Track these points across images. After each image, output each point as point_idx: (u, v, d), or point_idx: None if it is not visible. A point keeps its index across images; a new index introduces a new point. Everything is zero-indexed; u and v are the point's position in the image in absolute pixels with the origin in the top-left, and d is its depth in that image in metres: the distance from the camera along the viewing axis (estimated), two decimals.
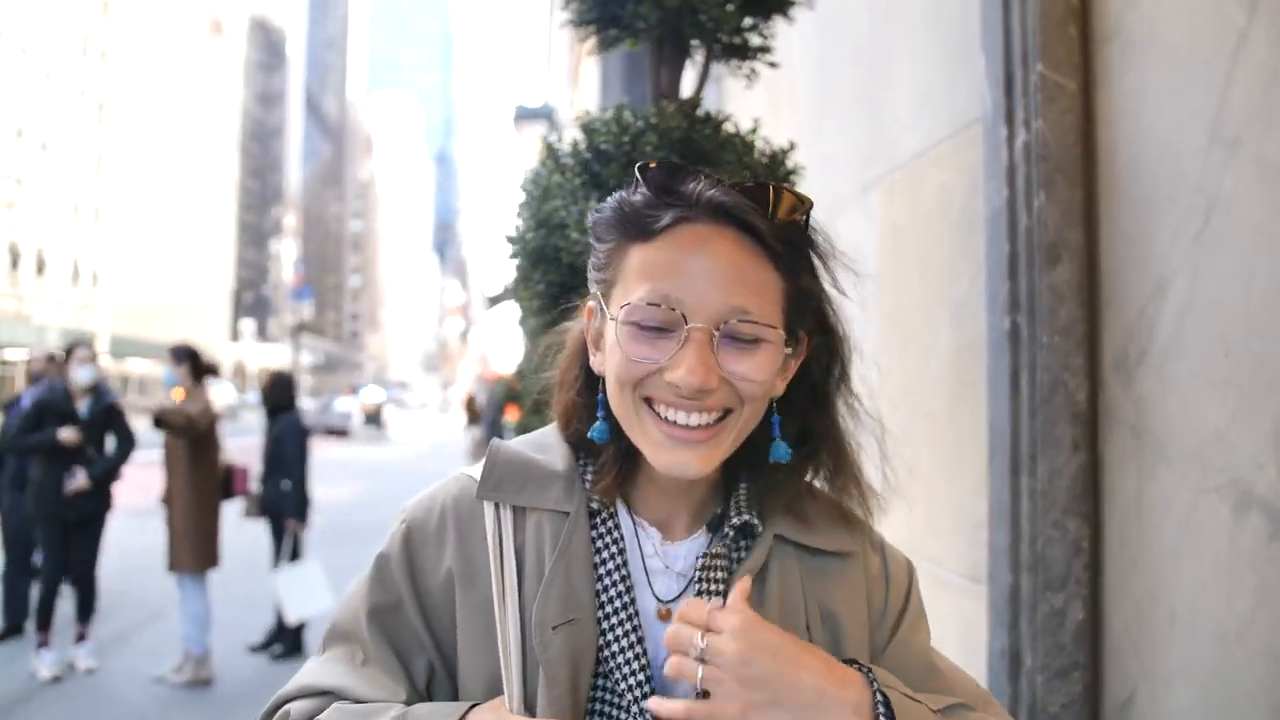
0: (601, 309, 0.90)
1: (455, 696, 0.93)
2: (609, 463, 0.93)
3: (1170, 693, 1.44)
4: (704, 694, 0.78)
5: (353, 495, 14.72)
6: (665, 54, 1.94)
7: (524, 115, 18.49)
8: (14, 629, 6.12)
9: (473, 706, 0.89)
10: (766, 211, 0.84)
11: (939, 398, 2.15)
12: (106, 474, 5.73)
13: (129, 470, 6.03)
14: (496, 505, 0.94)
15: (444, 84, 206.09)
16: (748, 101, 3.91)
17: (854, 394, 0.96)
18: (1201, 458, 1.37)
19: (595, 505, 0.94)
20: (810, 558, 0.94)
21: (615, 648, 0.89)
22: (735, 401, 0.85)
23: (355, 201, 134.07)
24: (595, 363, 0.94)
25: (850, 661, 0.86)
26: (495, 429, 11.23)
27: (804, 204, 0.86)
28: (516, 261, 2.03)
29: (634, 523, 0.95)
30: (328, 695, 0.93)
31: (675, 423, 0.84)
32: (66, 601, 5.93)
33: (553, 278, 1.91)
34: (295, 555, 5.96)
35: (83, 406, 5.74)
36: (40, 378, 6.36)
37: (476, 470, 0.97)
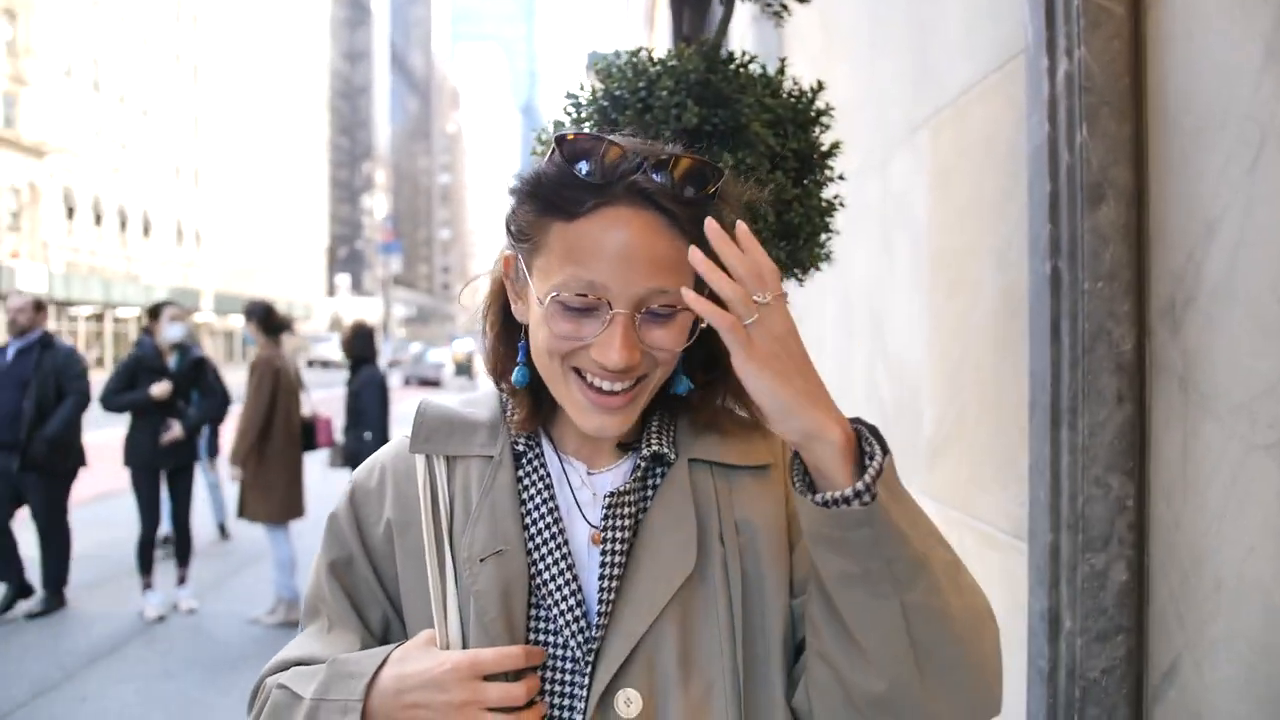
0: (524, 275, 0.94)
1: None
2: (524, 399, 1.00)
3: (1214, 665, 1.34)
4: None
5: None
6: None
7: (597, 61, 18.28)
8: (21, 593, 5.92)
9: (398, 645, 0.94)
10: (677, 186, 0.88)
11: (985, 346, 2.04)
12: (198, 424, 6.04)
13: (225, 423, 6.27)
14: (429, 457, 1.00)
15: (528, 35, 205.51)
16: (808, 43, 3.76)
17: None
18: (1250, 411, 1.26)
19: (521, 447, 1.01)
20: (729, 474, 0.99)
21: (546, 575, 0.94)
22: (651, 366, 0.92)
23: (443, 155, 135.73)
24: (517, 311, 0.99)
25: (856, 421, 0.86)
26: None
27: (715, 176, 0.90)
28: None
29: (560, 458, 1.01)
30: (300, 665, 0.98)
31: (600, 389, 0.91)
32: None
33: None
34: None
35: (171, 361, 6.03)
36: (24, 331, 5.79)
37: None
